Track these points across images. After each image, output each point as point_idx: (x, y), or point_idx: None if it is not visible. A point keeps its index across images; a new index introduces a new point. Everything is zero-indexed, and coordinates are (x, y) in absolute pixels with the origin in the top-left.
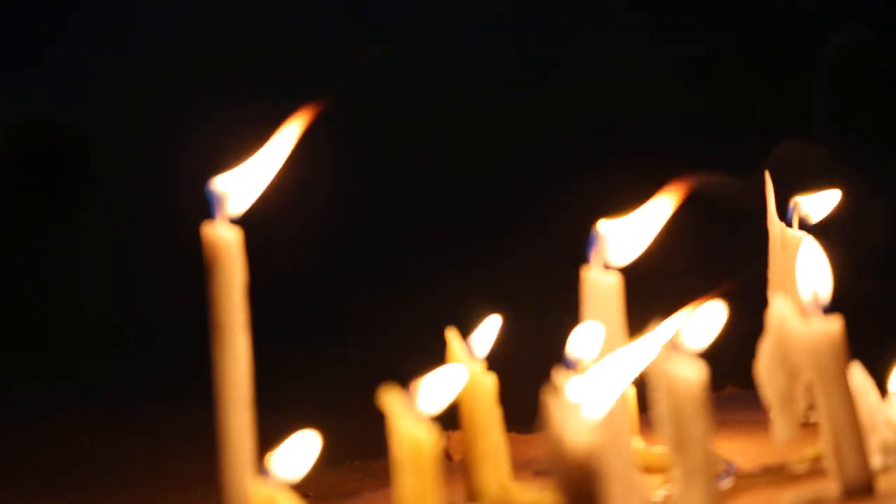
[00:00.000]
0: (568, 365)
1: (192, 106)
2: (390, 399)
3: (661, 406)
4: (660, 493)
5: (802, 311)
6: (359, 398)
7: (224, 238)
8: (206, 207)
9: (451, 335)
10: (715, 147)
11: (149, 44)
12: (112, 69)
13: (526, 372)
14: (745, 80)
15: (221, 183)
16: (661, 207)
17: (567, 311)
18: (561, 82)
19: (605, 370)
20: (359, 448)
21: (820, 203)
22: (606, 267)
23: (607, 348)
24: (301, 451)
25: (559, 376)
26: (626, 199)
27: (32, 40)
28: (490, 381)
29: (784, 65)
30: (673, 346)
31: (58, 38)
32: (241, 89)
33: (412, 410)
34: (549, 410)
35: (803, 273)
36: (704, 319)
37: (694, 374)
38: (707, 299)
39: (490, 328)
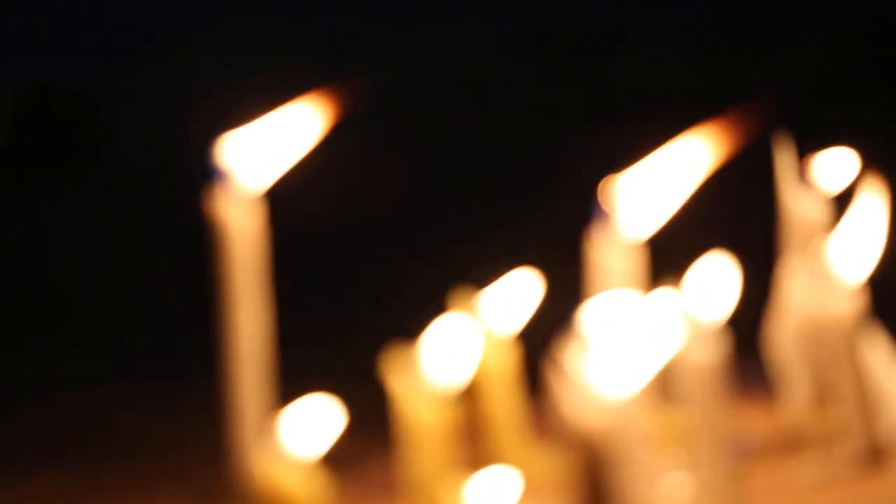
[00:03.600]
0: (578, 340)
1: (202, 73)
2: (395, 375)
3: (674, 381)
4: (672, 469)
5: (816, 280)
6: (366, 365)
7: (230, 215)
8: (216, 178)
9: (466, 301)
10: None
11: (158, 10)
12: (118, 37)
13: (541, 335)
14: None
15: (230, 155)
16: (691, 158)
17: (582, 273)
18: (574, 39)
19: (620, 349)
20: (366, 415)
21: (836, 167)
22: (621, 240)
23: (619, 325)
24: (319, 422)
25: (569, 351)
26: (641, 158)
27: (39, 9)
28: (507, 347)
29: (796, 24)
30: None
31: (65, 6)
32: (252, 58)
33: (420, 383)
34: (560, 380)
35: (836, 241)
36: (718, 287)
37: (710, 354)
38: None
39: (520, 292)
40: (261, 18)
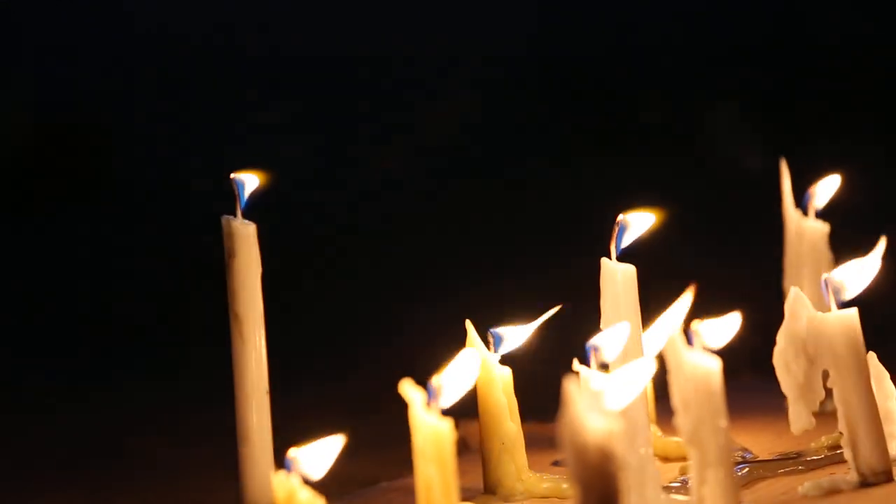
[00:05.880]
0: (589, 359)
1: (211, 98)
2: (411, 391)
3: (678, 395)
4: (676, 483)
5: (820, 300)
6: (376, 388)
7: (243, 230)
8: (225, 200)
9: (469, 328)
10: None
11: (172, 33)
12: (131, 59)
13: (544, 362)
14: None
15: (244, 178)
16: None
17: (585, 303)
18: (583, 75)
19: (625, 365)
20: (376, 438)
21: (826, 189)
22: (618, 257)
23: (626, 336)
24: (322, 449)
25: (580, 367)
26: (644, 189)
27: (50, 30)
28: (506, 372)
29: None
30: (689, 339)
31: (79, 26)
32: (260, 84)
33: (431, 402)
34: (569, 398)
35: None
36: (720, 323)
37: (710, 364)
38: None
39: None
40: (272, 46)
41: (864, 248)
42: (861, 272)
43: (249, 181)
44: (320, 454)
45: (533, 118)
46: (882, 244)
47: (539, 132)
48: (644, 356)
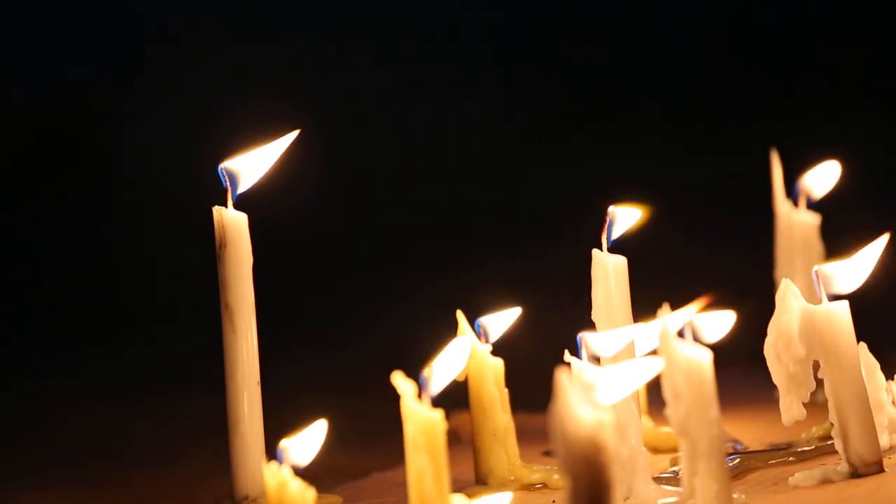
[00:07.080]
0: (580, 354)
1: (203, 89)
2: (403, 382)
3: (669, 386)
4: (667, 474)
5: (811, 291)
6: (366, 379)
7: (233, 220)
8: (215, 190)
9: (461, 317)
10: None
11: (167, 28)
12: (128, 50)
13: (536, 353)
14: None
15: (232, 165)
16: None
17: (578, 294)
18: (575, 71)
19: (619, 362)
20: (367, 429)
21: (822, 178)
22: (609, 248)
23: (615, 326)
24: (309, 436)
25: (572, 359)
26: (636, 185)
27: (44, 22)
28: (497, 363)
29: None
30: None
31: (75, 19)
32: (252, 75)
33: (423, 392)
34: (560, 389)
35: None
36: (714, 318)
37: (701, 355)
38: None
39: (506, 317)
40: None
41: (856, 239)
42: (858, 267)
43: (241, 171)
44: (308, 442)
45: (524, 108)
46: (883, 240)
47: (532, 121)
48: (636, 350)
